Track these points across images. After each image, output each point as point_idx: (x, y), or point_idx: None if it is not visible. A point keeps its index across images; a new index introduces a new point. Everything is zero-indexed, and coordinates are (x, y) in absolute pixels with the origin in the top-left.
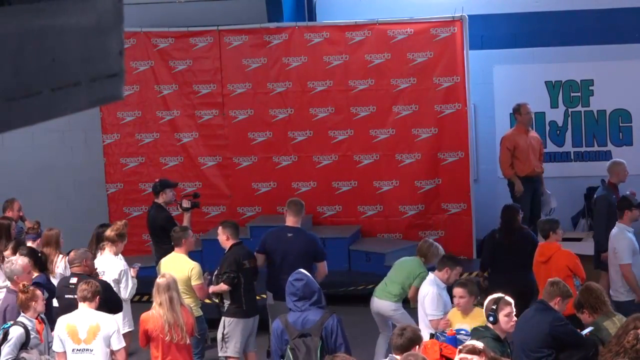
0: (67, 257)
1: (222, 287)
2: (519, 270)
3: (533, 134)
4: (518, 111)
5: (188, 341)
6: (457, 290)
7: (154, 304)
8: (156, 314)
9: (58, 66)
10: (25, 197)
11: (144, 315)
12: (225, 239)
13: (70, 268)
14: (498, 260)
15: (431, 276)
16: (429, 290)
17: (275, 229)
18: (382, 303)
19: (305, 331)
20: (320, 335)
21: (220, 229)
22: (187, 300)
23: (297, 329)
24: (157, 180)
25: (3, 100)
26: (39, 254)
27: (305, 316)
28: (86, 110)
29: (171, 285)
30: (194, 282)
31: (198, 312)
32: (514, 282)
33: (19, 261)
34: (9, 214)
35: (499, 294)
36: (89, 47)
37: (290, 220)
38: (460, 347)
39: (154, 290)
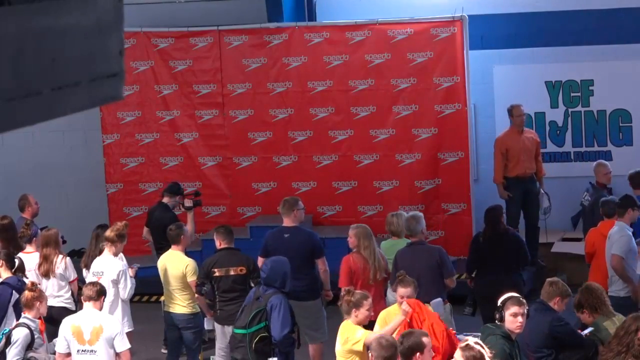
0: (67, 258)
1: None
2: (505, 272)
3: (528, 134)
4: (510, 112)
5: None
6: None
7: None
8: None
9: (58, 66)
10: None
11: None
12: (218, 245)
13: None
14: (483, 262)
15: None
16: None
17: (273, 231)
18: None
19: (259, 296)
20: (265, 305)
21: (214, 234)
22: (184, 297)
23: (260, 294)
24: (173, 182)
25: (3, 100)
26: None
27: (266, 290)
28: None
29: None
30: (189, 279)
31: (195, 309)
32: (500, 284)
33: None
34: (28, 210)
35: (512, 294)
36: (89, 47)
37: (286, 221)
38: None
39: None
